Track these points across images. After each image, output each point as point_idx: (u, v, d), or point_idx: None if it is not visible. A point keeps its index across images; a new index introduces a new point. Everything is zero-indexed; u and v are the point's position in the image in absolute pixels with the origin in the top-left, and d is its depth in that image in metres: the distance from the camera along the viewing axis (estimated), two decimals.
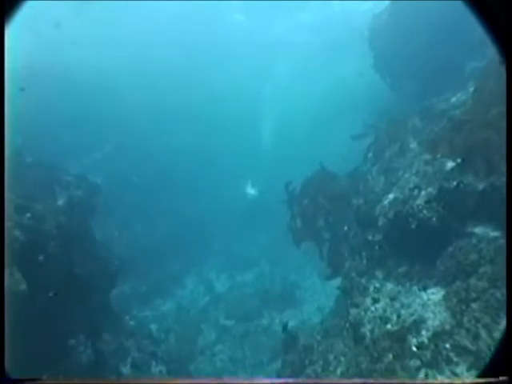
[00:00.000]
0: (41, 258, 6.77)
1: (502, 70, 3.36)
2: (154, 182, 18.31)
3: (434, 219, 7.05)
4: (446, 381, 5.07)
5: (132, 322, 12.94)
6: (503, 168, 6.57)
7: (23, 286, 6.03)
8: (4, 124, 3.39)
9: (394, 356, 6.34)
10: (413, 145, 9.09)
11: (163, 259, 17.05)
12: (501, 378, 2.51)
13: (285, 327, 10.02)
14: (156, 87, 19.99)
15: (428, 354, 6.00)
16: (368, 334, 7.06)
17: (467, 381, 4.26)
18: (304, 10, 23.49)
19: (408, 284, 7.50)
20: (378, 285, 8.01)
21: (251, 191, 18.62)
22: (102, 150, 18.06)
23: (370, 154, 10.59)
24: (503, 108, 6.91)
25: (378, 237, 8.51)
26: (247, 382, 3.53)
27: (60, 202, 9.43)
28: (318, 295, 15.37)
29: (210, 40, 22.09)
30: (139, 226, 17.44)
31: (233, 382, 4.26)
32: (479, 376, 3.59)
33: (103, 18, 19.45)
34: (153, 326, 13.35)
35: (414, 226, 7.20)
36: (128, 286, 15.34)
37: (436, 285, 6.95)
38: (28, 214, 7.17)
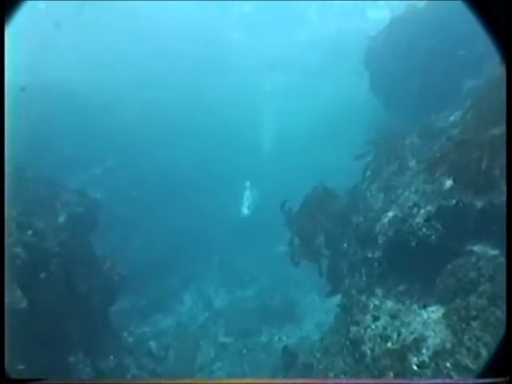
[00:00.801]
0: (42, 275, 6.79)
1: (502, 71, 3.39)
2: (153, 196, 18.34)
3: (434, 237, 7.10)
4: (447, 381, 5.07)
5: (130, 339, 12.87)
6: (503, 186, 6.66)
7: (24, 304, 6.04)
8: (4, 124, 3.42)
9: (394, 374, 6.34)
10: (411, 163, 9.18)
11: (162, 274, 17.03)
12: (501, 379, 2.55)
13: (284, 349, 10.02)
14: (155, 101, 20.15)
15: (429, 373, 6.00)
16: (368, 352, 7.06)
17: (467, 381, 4.28)
18: (301, 28, 23.86)
19: (408, 302, 7.52)
20: (377, 302, 8.02)
21: (249, 206, 18.67)
22: (101, 164, 18.13)
23: (369, 172, 10.67)
24: (502, 125, 7.03)
25: (378, 254, 8.55)
26: (247, 382, 3.54)
27: (61, 219, 9.45)
28: (318, 312, 15.34)
29: (207, 55, 22.37)
30: (138, 241, 17.43)
31: (233, 382, 4.28)
32: (479, 376, 3.62)
33: (101, 30, 19.75)
34: (152, 343, 13.27)
35: (413, 244, 7.25)
36: (127, 301, 15.29)
37: (436, 303, 6.97)
38: (30, 232, 7.20)
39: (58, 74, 18.01)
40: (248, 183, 18.55)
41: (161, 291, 16.62)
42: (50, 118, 16.25)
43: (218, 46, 22.96)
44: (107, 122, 17.98)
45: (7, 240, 6.40)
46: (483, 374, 3.10)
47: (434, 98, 10.91)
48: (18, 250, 6.66)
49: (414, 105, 12.11)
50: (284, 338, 14.17)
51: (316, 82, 24.74)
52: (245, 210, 18.54)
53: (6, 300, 5.24)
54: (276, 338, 14.21)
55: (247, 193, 18.71)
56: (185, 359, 12.96)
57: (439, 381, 4.89)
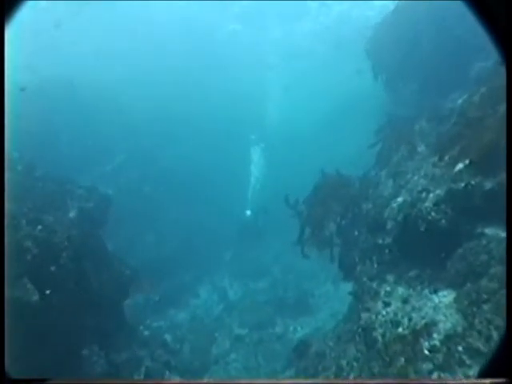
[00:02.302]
0: (52, 268, 6.88)
1: (502, 70, 3.37)
2: (165, 191, 18.43)
3: (443, 221, 7.02)
4: (447, 381, 5.02)
5: (146, 332, 12.96)
6: None
7: (35, 297, 6.13)
8: (4, 124, 3.45)
9: (406, 360, 6.29)
10: (420, 148, 9.07)
11: (176, 269, 17.11)
12: (501, 379, 2.53)
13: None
14: (159, 97, 20.18)
15: (440, 357, 5.94)
16: (380, 338, 7.01)
17: (467, 381, 4.23)
18: (301, 18, 23.66)
19: (419, 287, 7.45)
20: (388, 288, 7.97)
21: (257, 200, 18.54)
22: (112, 161, 18.23)
23: (378, 159, 10.58)
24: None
25: (388, 240, 8.48)
26: (247, 382, 3.55)
27: (71, 214, 9.57)
28: (332, 302, 15.26)
29: (208, 49, 22.34)
30: (151, 237, 17.53)
31: (232, 382, 4.29)
32: (479, 376, 3.58)
33: (101, 29, 19.85)
34: (167, 336, 13.36)
35: (422, 229, 7.17)
36: (141, 296, 15.39)
37: (447, 287, 6.89)
38: (39, 227, 7.29)
39: (60, 72, 18.14)
40: (253, 178, 18.37)
41: (176, 285, 16.70)
42: (57, 117, 16.40)
43: (218, 39, 22.93)
44: (115, 119, 18.08)
45: (17, 236, 6.52)
46: (483, 374, 3.07)
47: (441, 82, 10.74)
48: (28, 244, 6.75)
49: (421, 90, 11.95)
50: (299, 329, 14.13)
51: (320, 72, 24.50)
52: (252, 205, 18.44)
53: (13, 296, 5.31)
54: (291, 328, 14.18)
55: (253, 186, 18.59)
56: (200, 351, 13.02)
57: (439, 381, 4.85)
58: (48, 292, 6.93)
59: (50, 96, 17.27)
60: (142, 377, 8.68)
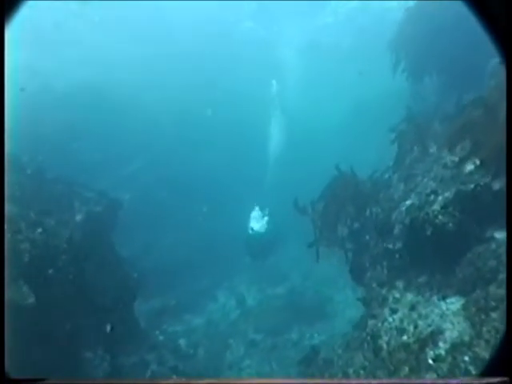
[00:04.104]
0: (50, 271, 6.92)
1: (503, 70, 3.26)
2: (183, 196, 18.46)
3: (451, 224, 6.74)
4: (448, 381, 4.81)
5: (161, 337, 12.98)
6: None
7: (31, 300, 6.17)
8: (4, 124, 3.45)
9: (409, 369, 6.05)
10: (432, 149, 8.78)
11: (194, 273, 17.08)
12: (501, 379, 2.45)
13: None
14: (176, 99, 20.22)
15: (445, 367, 5.69)
16: (385, 345, 6.79)
17: (467, 381, 4.07)
18: (316, 14, 23.31)
19: (428, 294, 7.18)
20: (398, 295, 7.73)
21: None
22: (130, 165, 18.38)
23: (392, 161, 10.32)
24: None
25: (399, 245, 8.22)
26: (247, 382, 3.45)
27: (78, 218, 9.65)
28: (350, 309, 14.89)
29: (222, 48, 22.25)
30: (168, 241, 17.58)
31: (232, 382, 4.19)
32: (479, 376, 3.44)
33: (112, 31, 20.04)
34: (181, 341, 13.32)
35: (429, 233, 6.90)
36: (158, 300, 15.46)
37: (456, 294, 6.61)
38: (39, 229, 7.36)
39: (84, 78, 18.43)
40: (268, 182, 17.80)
41: (193, 290, 16.67)
42: (75, 123, 16.64)
43: (233, 38, 22.78)
44: (130, 123, 18.21)
45: (15, 238, 6.58)
46: (483, 374, 2.96)
47: (458, 79, 10.41)
48: (26, 246, 6.80)
49: (440, 86, 11.62)
50: (315, 336, 13.88)
51: (335, 68, 24.06)
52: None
53: (8, 298, 5.34)
54: (307, 335, 13.94)
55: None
56: (214, 356, 12.92)
57: (440, 381, 4.66)
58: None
59: (70, 101, 17.60)
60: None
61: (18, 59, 10.53)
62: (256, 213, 16.54)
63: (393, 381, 4.76)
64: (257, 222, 16.22)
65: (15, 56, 8.57)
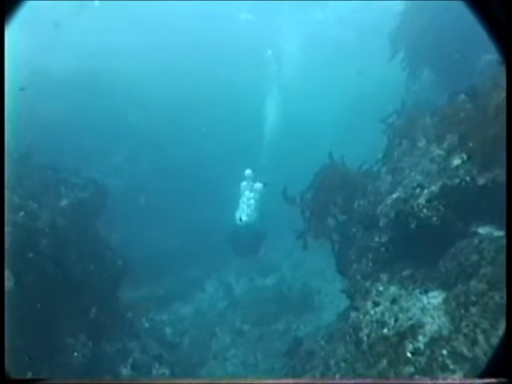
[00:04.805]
0: (30, 255, 6.86)
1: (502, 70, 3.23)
2: (174, 186, 18.33)
3: (435, 219, 6.71)
4: (448, 381, 4.83)
5: (147, 325, 12.95)
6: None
7: (11, 283, 6.11)
8: (4, 124, 3.42)
9: (388, 362, 6.05)
10: (421, 143, 8.73)
11: (184, 263, 17.03)
12: (501, 379, 2.46)
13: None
14: (170, 88, 20.09)
15: (423, 361, 5.69)
16: (365, 338, 6.78)
17: (467, 381, 4.08)
18: (316, 8, 23.11)
19: (411, 287, 7.17)
20: (381, 288, 7.69)
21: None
22: (121, 153, 18.25)
23: (381, 154, 10.28)
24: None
25: (384, 238, 8.20)
26: (246, 382, 3.43)
27: (63, 203, 9.57)
28: (338, 300, 14.92)
29: (217, 40, 22.06)
30: (159, 230, 17.47)
31: (232, 382, 4.15)
32: (478, 377, 3.44)
33: (109, 21, 19.85)
34: (167, 330, 13.33)
35: (413, 226, 6.88)
36: (147, 289, 15.44)
37: (438, 288, 6.60)
38: (21, 213, 7.29)
39: (69, 65, 18.26)
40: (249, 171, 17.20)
41: (182, 280, 16.67)
42: (68, 109, 16.49)
43: (230, 30, 22.62)
44: (126, 110, 18.08)
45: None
46: (483, 374, 2.95)
47: (452, 74, 10.36)
48: (7, 229, 6.72)
49: (436, 80, 11.57)
50: (302, 327, 13.93)
51: (331, 62, 23.93)
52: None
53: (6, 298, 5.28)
54: (294, 326, 13.98)
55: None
56: (200, 345, 12.96)
57: (440, 381, 4.67)
58: None
59: (64, 87, 17.42)
60: (128, 368, 8.63)
61: (17, 59, 10.39)
62: (245, 202, 16.13)
63: (393, 381, 4.77)
64: (246, 211, 15.81)
65: (15, 56, 8.44)
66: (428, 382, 4.90)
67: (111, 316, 9.37)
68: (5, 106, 3.50)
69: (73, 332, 7.81)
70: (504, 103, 6.62)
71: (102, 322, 8.87)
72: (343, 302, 14.04)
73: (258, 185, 16.07)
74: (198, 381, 5.48)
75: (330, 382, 5.77)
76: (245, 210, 15.69)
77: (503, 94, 6.46)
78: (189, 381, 4.14)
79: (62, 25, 18.54)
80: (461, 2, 3.54)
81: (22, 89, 10.86)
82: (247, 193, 16.10)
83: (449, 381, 4.96)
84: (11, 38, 3.82)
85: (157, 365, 9.46)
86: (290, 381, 6.23)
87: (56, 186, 9.92)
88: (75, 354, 7.46)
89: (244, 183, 16.31)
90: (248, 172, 16.14)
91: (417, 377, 5.61)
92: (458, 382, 4.55)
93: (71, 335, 7.73)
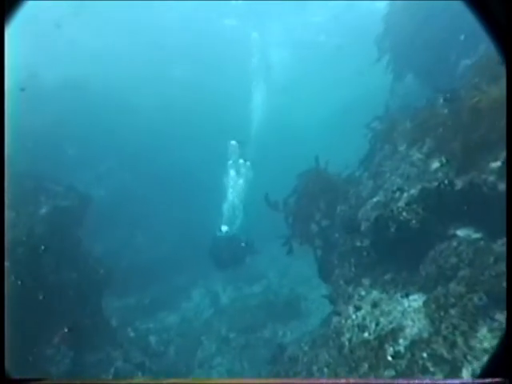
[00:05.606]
0: (6, 264, 6.71)
1: (502, 70, 3.24)
2: (160, 194, 18.23)
3: (414, 222, 6.72)
4: (448, 381, 4.81)
5: (132, 334, 12.81)
6: (483, 165, 6.24)
7: None
8: (4, 124, 3.38)
9: (369, 366, 6.02)
10: (402, 147, 8.78)
11: (170, 271, 16.92)
12: (501, 379, 2.42)
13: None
14: (156, 96, 20.05)
15: (403, 364, 5.67)
16: (347, 342, 6.75)
17: (467, 381, 4.07)
18: (301, 11, 23.15)
19: (393, 291, 7.17)
20: (363, 292, 7.69)
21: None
22: (106, 162, 18.11)
23: (363, 159, 10.33)
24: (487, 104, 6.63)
25: (366, 243, 8.21)
26: (244, 382, 3.39)
27: (42, 211, 9.43)
28: (324, 307, 14.89)
29: (203, 46, 22.05)
30: (144, 238, 17.37)
31: (232, 382, 4.10)
32: (478, 377, 3.44)
33: (99, 29, 19.79)
34: (152, 338, 13.17)
35: (393, 230, 6.88)
36: (133, 298, 15.32)
37: (418, 291, 6.60)
38: None
39: (59, 72, 18.15)
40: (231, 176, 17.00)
41: (168, 288, 16.54)
42: (53, 118, 16.33)
43: (214, 35, 22.58)
44: (111, 120, 17.98)
45: (4, 240, 6.36)
46: (483, 374, 2.94)
47: (432, 79, 10.45)
48: None
49: (416, 85, 11.65)
50: (288, 333, 13.86)
51: (316, 66, 23.99)
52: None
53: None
54: (280, 333, 13.92)
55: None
56: (185, 354, 12.82)
57: (440, 381, 4.66)
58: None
59: (47, 96, 17.28)
60: (110, 377, 8.48)
61: (17, 59, 10.29)
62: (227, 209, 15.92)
63: (393, 381, 4.74)
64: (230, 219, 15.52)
65: (15, 56, 8.34)
66: (428, 382, 4.88)
67: (94, 325, 9.23)
68: (5, 106, 3.43)
69: (53, 342, 7.66)
70: (479, 106, 6.74)
71: (84, 332, 8.72)
72: (329, 308, 14.09)
73: (241, 188, 15.99)
74: (198, 381, 5.42)
75: (328, 381, 5.72)
76: (228, 218, 15.45)
77: (477, 98, 6.54)
78: (187, 381, 4.11)
79: (54, 31, 18.43)
80: (460, 2, 3.55)
81: (22, 89, 10.76)
82: (231, 197, 16.05)
83: (449, 381, 4.94)
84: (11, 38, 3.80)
85: (139, 373, 9.32)
86: (289, 381, 6.15)
87: (36, 194, 9.79)
88: (56, 365, 7.30)
89: (230, 190, 16.30)
90: (233, 174, 16.07)
91: (417, 377, 5.60)
92: (458, 382, 4.52)
93: (51, 346, 7.58)
